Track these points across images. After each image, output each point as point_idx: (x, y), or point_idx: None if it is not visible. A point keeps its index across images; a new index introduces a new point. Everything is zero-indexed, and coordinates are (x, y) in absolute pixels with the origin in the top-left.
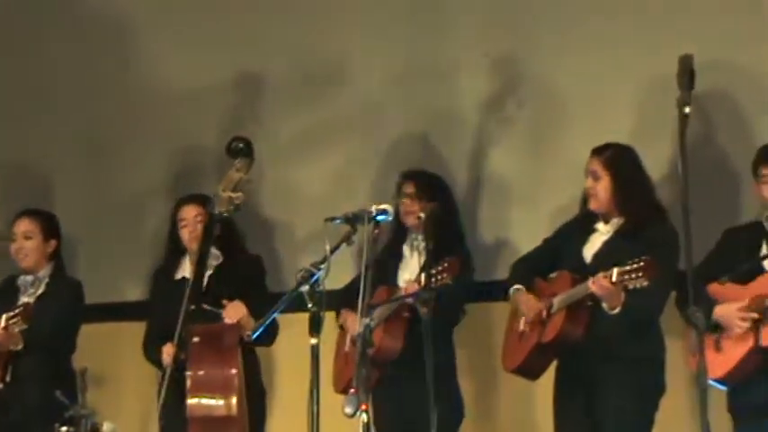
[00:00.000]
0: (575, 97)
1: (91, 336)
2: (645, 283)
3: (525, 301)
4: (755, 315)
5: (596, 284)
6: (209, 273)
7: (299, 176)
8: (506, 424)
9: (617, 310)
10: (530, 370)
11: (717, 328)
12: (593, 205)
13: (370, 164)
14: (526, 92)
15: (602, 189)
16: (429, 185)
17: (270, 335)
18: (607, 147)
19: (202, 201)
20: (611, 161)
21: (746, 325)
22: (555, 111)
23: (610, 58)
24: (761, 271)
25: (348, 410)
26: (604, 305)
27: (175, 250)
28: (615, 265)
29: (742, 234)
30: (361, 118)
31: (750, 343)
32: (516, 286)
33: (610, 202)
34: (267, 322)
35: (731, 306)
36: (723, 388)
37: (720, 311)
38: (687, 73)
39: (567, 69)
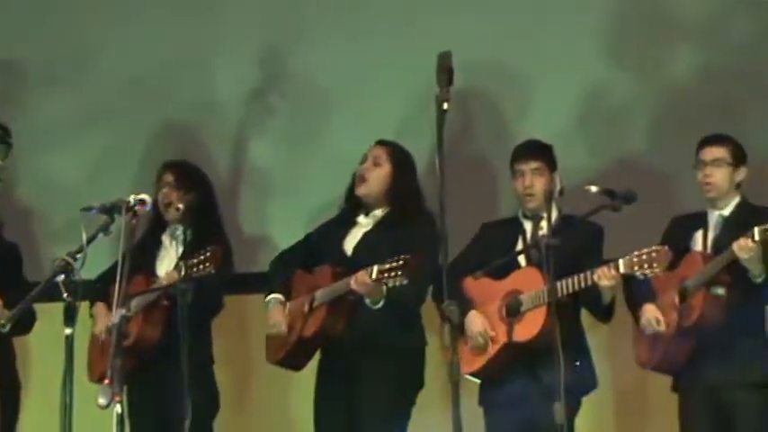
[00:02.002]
0: (339, 92)
1: None
2: (404, 282)
3: (272, 316)
4: (492, 335)
5: (357, 282)
6: None
7: (57, 164)
8: (262, 415)
9: (380, 305)
10: (293, 362)
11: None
12: (362, 189)
13: (131, 153)
14: (290, 84)
15: (380, 176)
16: (188, 176)
17: (26, 324)
18: (394, 142)
19: None
20: (396, 154)
21: (482, 341)
22: (318, 105)
23: (374, 55)
24: (516, 266)
25: (102, 401)
26: (367, 301)
27: None
28: (376, 256)
29: (499, 229)
30: (122, 106)
31: (504, 339)
32: (273, 296)
33: (382, 190)
34: (21, 312)
35: (481, 322)
36: (478, 381)
37: (470, 319)
38: (446, 70)
39: (332, 64)
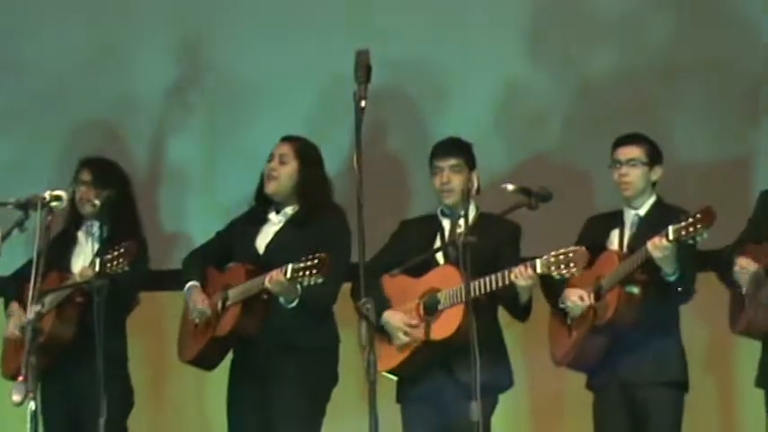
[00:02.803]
0: (257, 88)
1: None
2: (320, 280)
3: (194, 300)
4: (420, 335)
5: (271, 281)
6: None
7: None
8: (177, 413)
9: (294, 303)
10: (205, 361)
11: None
12: (271, 188)
13: (49, 149)
14: (208, 80)
15: (287, 173)
16: (105, 173)
17: None
18: (299, 137)
19: None
20: (302, 150)
21: (407, 339)
22: (237, 101)
23: (292, 50)
24: (434, 264)
25: (16, 398)
26: (281, 300)
27: None
28: (288, 253)
29: (418, 226)
30: (40, 103)
31: (421, 336)
32: (191, 283)
33: (290, 187)
34: None
35: (399, 316)
36: (395, 378)
37: (387, 317)
38: (363, 67)
39: (250, 60)
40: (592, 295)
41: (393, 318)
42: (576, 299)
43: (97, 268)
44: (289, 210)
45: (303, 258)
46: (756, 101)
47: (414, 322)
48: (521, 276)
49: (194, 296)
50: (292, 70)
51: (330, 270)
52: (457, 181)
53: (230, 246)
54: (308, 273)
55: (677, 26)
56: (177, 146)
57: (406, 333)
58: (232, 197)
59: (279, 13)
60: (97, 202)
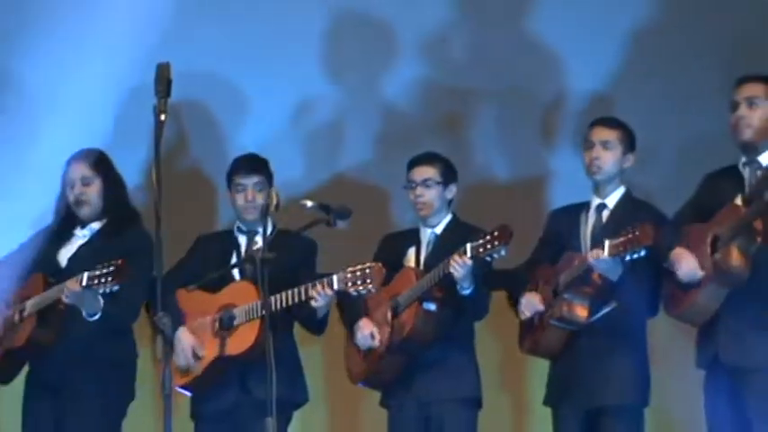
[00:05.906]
0: (51, 98)
1: None
2: (116, 287)
3: None
4: (200, 367)
5: (67, 290)
6: None
7: None
8: None
9: (97, 316)
10: (1, 374)
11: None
12: (85, 213)
13: None
14: (1, 90)
15: (95, 193)
16: None
17: None
18: (89, 152)
19: None
20: (100, 165)
21: (185, 363)
22: (29, 110)
23: (89, 62)
24: (231, 279)
25: None
26: (84, 312)
27: None
28: (91, 266)
29: (215, 242)
30: None
31: (216, 352)
32: None
33: (98, 205)
34: None
35: (192, 340)
36: (189, 394)
37: (180, 335)
38: (164, 81)
39: (44, 69)
40: (389, 314)
41: (185, 338)
42: (368, 335)
43: None
44: (95, 224)
45: (98, 266)
46: (551, 124)
47: (201, 353)
48: (318, 293)
49: None
50: (88, 80)
51: (126, 277)
52: (260, 198)
53: (32, 258)
54: (103, 280)
55: (477, 47)
56: None
57: (188, 358)
58: (24, 209)
59: (77, 24)
60: None
